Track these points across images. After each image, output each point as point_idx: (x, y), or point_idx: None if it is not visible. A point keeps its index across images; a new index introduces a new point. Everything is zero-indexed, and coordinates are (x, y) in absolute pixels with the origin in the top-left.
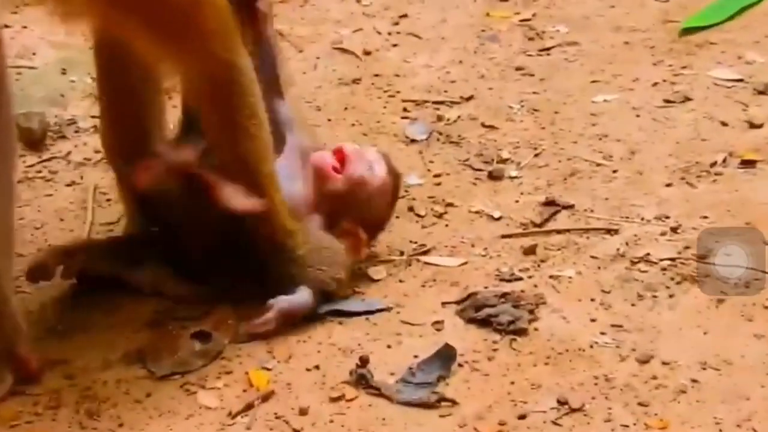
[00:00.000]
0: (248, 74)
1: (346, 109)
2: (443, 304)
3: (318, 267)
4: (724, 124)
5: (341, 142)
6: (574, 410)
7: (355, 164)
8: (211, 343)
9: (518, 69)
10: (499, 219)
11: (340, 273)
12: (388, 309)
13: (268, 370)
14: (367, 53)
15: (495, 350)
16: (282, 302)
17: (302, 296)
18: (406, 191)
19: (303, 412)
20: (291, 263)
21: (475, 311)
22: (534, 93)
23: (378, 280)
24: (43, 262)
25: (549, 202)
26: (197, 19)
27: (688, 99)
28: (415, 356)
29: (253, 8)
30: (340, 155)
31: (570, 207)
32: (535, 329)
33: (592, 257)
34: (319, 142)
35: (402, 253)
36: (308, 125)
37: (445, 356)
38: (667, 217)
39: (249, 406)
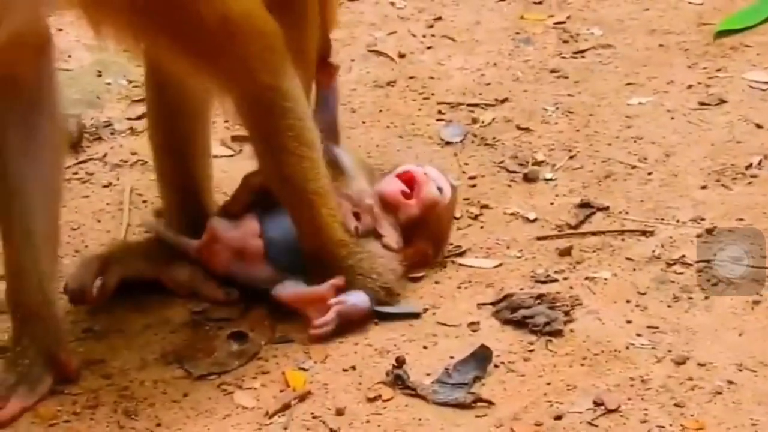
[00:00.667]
0: (293, 97)
1: (380, 111)
2: (479, 305)
3: (368, 275)
4: (759, 126)
5: (404, 166)
6: (610, 411)
7: (426, 187)
8: (247, 343)
9: (553, 71)
10: (534, 221)
11: (390, 282)
12: (420, 313)
13: (305, 370)
14: (402, 56)
15: (531, 351)
16: (342, 303)
17: (361, 298)
18: None
19: (339, 412)
20: (341, 271)
21: (511, 312)
22: (569, 95)
23: (414, 282)
24: (81, 286)
25: (584, 204)
26: (232, 40)
27: (722, 101)
28: (451, 357)
29: (325, 62)
30: (408, 178)
31: (605, 209)
32: (571, 330)
33: (628, 259)
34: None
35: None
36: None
37: (481, 357)
38: (703, 219)
39: (286, 406)
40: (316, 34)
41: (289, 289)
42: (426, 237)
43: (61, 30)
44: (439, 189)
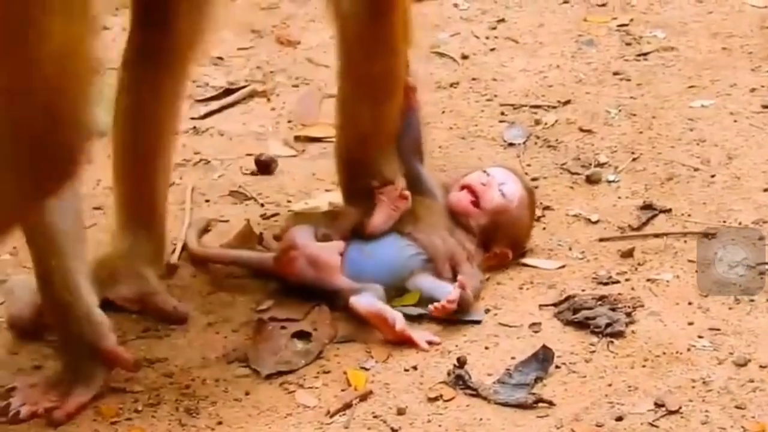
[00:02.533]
0: None
1: (443, 112)
2: (541, 306)
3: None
4: None
5: (467, 177)
6: (671, 412)
7: (488, 195)
8: (311, 343)
9: (615, 74)
10: (596, 222)
11: (476, 289)
12: (480, 321)
13: (366, 370)
14: (465, 57)
15: (592, 352)
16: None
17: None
18: None
19: (401, 411)
20: None
21: (573, 314)
22: (631, 98)
23: None
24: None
25: (647, 206)
26: None
27: None
28: (513, 358)
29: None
30: (470, 189)
31: (667, 211)
32: (633, 332)
33: (690, 261)
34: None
35: None
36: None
37: (543, 358)
38: (765, 222)
39: (347, 406)
40: (407, 60)
41: (366, 302)
42: (503, 241)
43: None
44: (504, 192)
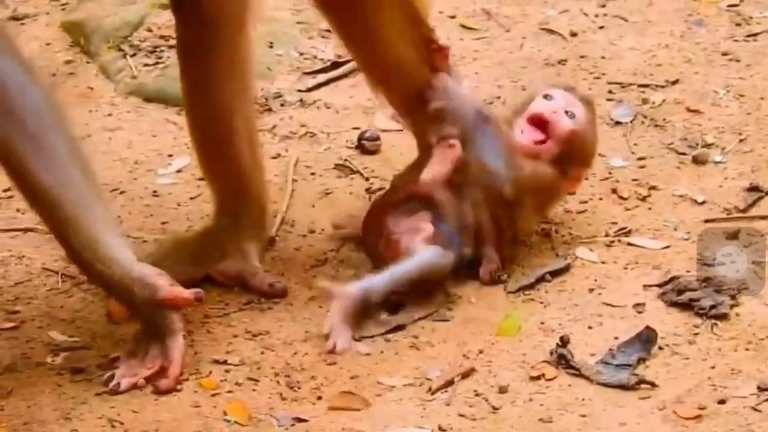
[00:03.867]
0: None
1: None
2: (645, 286)
3: None
4: None
5: (531, 106)
6: None
7: (558, 125)
8: (400, 315)
9: (724, 54)
10: (702, 203)
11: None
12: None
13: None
14: (574, 35)
15: (696, 334)
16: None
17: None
18: (610, 173)
19: (502, 390)
20: None
21: (677, 295)
22: (740, 78)
23: (580, 261)
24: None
25: (753, 188)
26: None
27: None
28: (616, 338)
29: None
30: (539, 121)
31: None
32: (737, 314)
33: None
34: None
35: (606, 235)
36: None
37: (646, 339)
38: None
39: (449, 383)
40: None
41: None
42: (577, 162)
43: None
44: (572, 114)
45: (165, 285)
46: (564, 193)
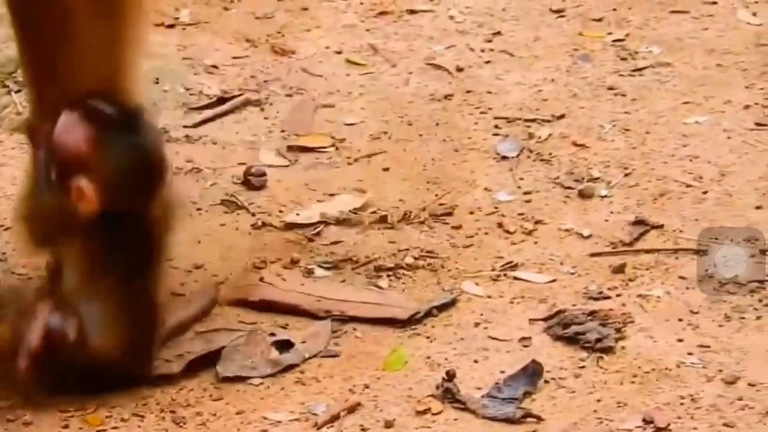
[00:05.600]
0: None
1: (437, 124)
2: (531, 320)
3: None
4: None
5: None
6: (659, 429)
7: None
8: (289, 353)
9: (610, 89)
10: (588, 237)
11: None
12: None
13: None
14: (460, 69)
15: (582, 368)
16: None
17: None
18: (496, 208)
19: (388, 424)
20: None
21: (563, 328)
22: (625, 113)
23: (466, 296)
24: None
25: (638, 222)
26: None
27: None
28: (502, 372)
29: None
30: None
31: (659, 227)
32: (622, 348)
33: (681, 278)
34: None
35: (493, 269)
36: None
37: (532, 372)
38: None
39: (335, 418)
40: None
41: None
42: None
43: None
44: None
45: None
46: None
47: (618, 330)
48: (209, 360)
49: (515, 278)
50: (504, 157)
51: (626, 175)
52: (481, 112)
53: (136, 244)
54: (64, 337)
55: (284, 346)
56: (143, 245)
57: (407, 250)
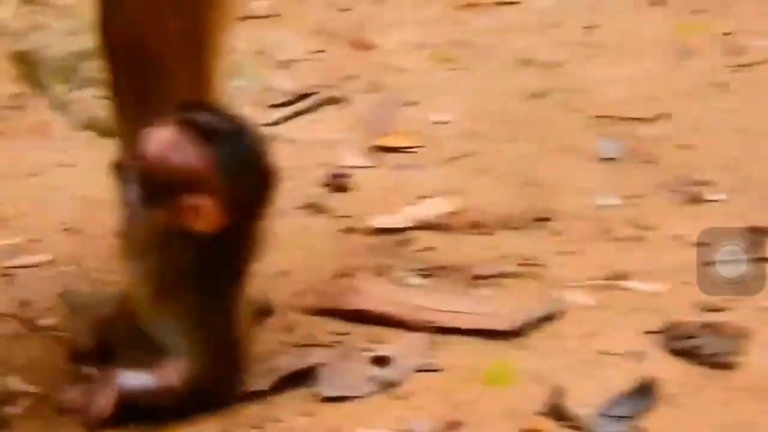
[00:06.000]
0: None
1: (531, 123)
2: (644, 332)
3: None
4: None
5: None
6: None
7: None
8: (389, 369)
9: (716, 85)
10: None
11: None
12: None
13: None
14: (553, 65)
15: (700, 385)
16: None
17: None
18: (599, 212)
19: None
20: None
21: (678, 342)
22: (734, 111)
23: (572, 306)
24: None
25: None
26: None
27: None
28: (613, 388)
29: None
30: None
31: None
32: (744, 363)
33: None
34: None
35: (599, 278)
36: None
37: (647, 389)
38: None
39: None
40: None
41: None
42: None
43: None
44: None
45: None
46: None
47: (737, 344)
48: (301, 376)
49: (624, 288)
50: (604, 159)
51: (739, 178)
52: (578, 111)
53: (240, 256)
54: (141, 395)
55: (382, 360)
56: (245, 257)
57: (506, 256)
